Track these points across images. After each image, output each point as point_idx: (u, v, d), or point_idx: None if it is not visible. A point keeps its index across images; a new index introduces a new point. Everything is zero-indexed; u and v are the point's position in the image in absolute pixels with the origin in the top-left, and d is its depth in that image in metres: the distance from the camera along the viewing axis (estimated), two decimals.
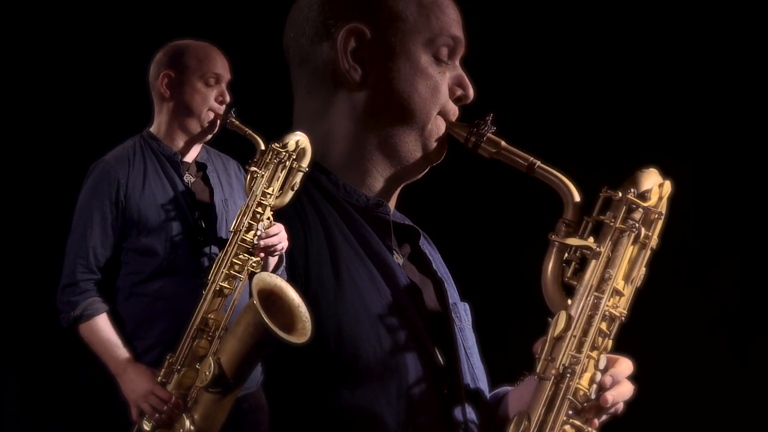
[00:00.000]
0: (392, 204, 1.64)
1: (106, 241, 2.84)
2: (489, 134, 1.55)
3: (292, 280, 1.49)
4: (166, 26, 3.42)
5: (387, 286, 1.52)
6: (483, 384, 1.63)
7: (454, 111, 1.59)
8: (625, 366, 1.47)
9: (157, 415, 2.45)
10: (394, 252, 1.60)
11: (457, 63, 1.61)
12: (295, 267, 1.47)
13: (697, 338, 3.67)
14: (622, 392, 1.45)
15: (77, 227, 2.87)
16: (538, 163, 1.53)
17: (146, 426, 2.48)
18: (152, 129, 3.05)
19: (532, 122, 3.39)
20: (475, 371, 1.61)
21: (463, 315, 1.65)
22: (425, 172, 1.62)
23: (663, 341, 3.47)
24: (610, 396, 1.41)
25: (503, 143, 1.56)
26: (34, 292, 3.85)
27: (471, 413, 1.55)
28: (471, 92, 1.60)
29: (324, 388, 1.45)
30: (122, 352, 2.74)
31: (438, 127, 1.58)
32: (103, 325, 2.78)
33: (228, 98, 3.00)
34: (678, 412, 3.58)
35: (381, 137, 1.56)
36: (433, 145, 1.58)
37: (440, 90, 1.56)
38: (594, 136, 3.67)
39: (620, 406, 1.46)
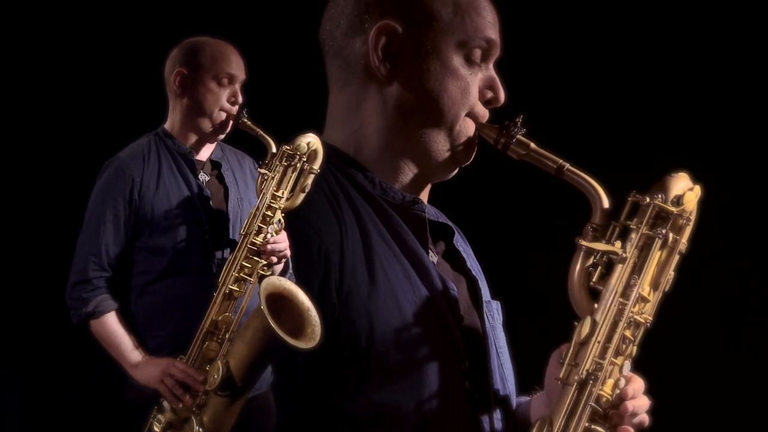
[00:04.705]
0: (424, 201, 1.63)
1: (119, 239, 2.84)
2: (519, 136, 1.54)
3: (326, 276, 1.46)
4: (184, 23, 3.40)
5: (422, 285, 1.51)
6: (510, 384, 1.63)
7: (483, 114, 1.58)
8: (640, 383, 1.47)
9: (180, 390, 2.42)
10: (430, 250, 1.59)
11: (491, 66, 1.59)
12: (330, 263, 1.44)
13: (725, 343, 3.67)
14: (641, 404, 1.45)
15: (89, 224, 2.86)
16: (567, 165, 1.51)
17: (156, 428, 2.47)
18: (166, 126, 3.01)
19: (562, 124, 3.39)
20: (504, 371, 1.61)
21: (495, 314, 1.65)
22: (455, 173, 1.62)
23: (688, 345, 3.47)
24: (630, 405, 1.41)
25: (533, 145, 1.54)
26: (34, 292, 3.92)
27: (498, 421, 1.55)
28: (501, 95, 1.58)
29: (352, 385, 1.44)
30: (132, 348, 2.78)
31: (467, 128, 1.56)
32: (113, 322, 2.80)
33: (240, 98, 2.95)
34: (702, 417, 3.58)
35: (411, 135, 1.55)
36: (462, 146, 1.56)
37: (470, 91, 1.54)
38: (623, 140, 3.67)
39: (645, 419, 1.46)
